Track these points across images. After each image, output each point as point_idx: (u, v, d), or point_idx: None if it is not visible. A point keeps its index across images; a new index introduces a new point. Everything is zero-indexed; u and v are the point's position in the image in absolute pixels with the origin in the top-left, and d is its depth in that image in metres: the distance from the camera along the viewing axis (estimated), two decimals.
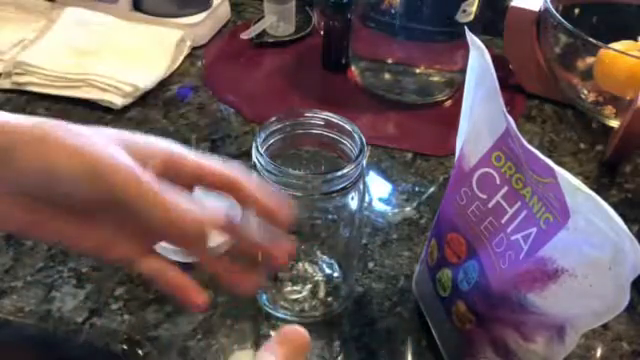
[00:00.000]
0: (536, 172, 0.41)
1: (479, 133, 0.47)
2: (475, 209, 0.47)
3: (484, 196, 0.47)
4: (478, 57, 0.47)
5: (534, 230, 0.42)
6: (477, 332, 0.48)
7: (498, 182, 0.46)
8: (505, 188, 0.45)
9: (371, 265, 0.63)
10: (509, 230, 0.44)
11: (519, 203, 0.44)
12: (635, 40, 0.81)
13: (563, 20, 0.74)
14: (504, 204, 0.45)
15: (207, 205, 0.43)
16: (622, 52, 0.72)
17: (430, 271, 0.54)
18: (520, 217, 0.44)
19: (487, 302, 0.46)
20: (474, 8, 0.78)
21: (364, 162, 0.51)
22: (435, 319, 0.55)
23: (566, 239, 0.39)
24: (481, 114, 0.47)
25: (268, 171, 0.50)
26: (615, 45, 0.75)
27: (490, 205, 0.46)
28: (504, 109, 0.44)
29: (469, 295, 0.48)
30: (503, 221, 0.45)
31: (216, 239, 0.63)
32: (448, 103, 0.86)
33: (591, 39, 0.72)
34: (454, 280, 0.50)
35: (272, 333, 0.57)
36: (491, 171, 0.46)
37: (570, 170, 0.48)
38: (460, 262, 0.49)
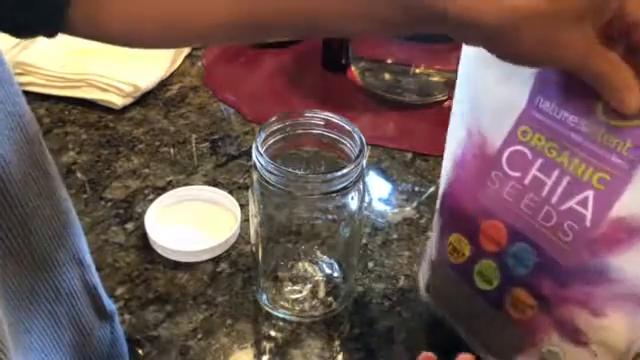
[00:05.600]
0: (612, 116, 0.39)
1: (499, 113, 0.46)
2: (511, 190, 0.45)
3: (518, 174, 0.45)
4: None
5: (590, 193, 0.41)
6: (539, 318, 0.46)
7: (530, 157, 0.44)
8: (539, 161, 0.44)
9: (371, 265, 0.63)
10: (554, 201, 0.43)
11: (557, 171, 0.43)
12: None
13: None
14: (541, 176, 0.43)
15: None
16: None
17: (458, 269, 0.51)
18: (563, 185, 0.42)
19: (556, 280, 0.44)
20: None
21: (364, 162, 0.51)
22: (473, 319, 0.53)
23: None
24: (500, 94, 0.46)
25: (268, 171, 0.50)
26: None
27: (526, 182, 0.44)
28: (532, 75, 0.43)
29: (531, 279, 0.45)
30: (544, 194, 0.43)
31: (224, 235, 0.63)
32: (448, 103, 0.86)
33: None
34: (503, 269, 0.47)
35: (272, 333, 0.57)
36: (520, 148, 0.45)
37: None
38: (502, 249, 0.47)
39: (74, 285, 0.43)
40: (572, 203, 0.42)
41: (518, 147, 0.45)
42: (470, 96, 0.49)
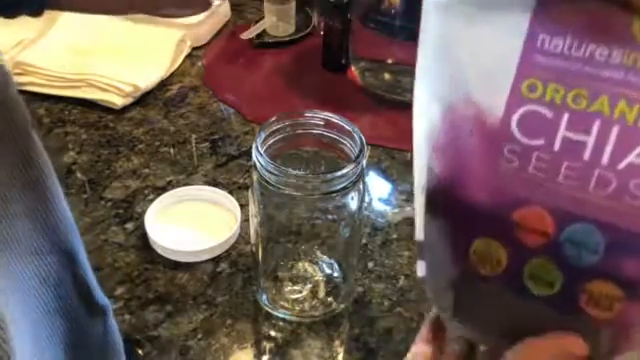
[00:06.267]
0: None
1: (489, 71, 0.36)
2: (538, 162, 0.36)
3: (540, 142, 0.36)
4: None
5: None
6: (632, 308, 0.37)
7: (550, 116, 0.35)
8: (565, 117, 0.35)
9: (371, 265, 0.63)
10: (605, 162, 0.35)
11: (597, 124, 0.34)
12: None
13: None
14: (575, 136, 0.35)
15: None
16: None
17: (498, 280, 0.40)
18: (612, 138, 0.34)
19: None
20: None
21: (364, 162, 0.51)
22: (534, 334, 0.43)
23: None
24: (486, 45, 0.36)
25: (268, 171, 0.50)
26: None
27: (556, 148, 0.36)
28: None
29: (606, 264, 0.37)
30: (587, 157, 0.35)
31: (224, 235, 0.63)
32: None
33: None
34: (563, 263, 0.38)
35: (272, 333, 0.57)
36: (533, 107, 0.36)
37: None
38: (553, 238, 0.38)
39: (61, 275, 0.43)
40: (632, 157, 0.34)
41: (529, 107, 0.36)
42: (442, 56, 0.40)
